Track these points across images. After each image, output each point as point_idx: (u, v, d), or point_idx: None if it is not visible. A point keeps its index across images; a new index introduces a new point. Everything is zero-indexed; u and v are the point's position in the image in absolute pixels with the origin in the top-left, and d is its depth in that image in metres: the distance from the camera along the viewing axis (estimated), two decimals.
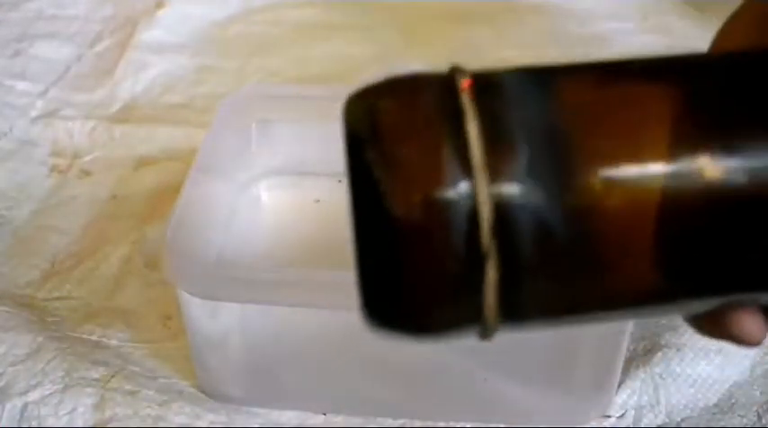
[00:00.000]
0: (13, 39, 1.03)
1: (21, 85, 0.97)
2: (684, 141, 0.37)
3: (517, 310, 0.38)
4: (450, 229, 0.36)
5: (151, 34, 1.04)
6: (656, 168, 0.37)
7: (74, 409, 0.64)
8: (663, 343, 0.68)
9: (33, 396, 0.64)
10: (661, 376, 0.67)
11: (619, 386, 0.66)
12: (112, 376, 0.66)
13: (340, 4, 1.10)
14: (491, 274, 0.36)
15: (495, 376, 0.63)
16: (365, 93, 0.38)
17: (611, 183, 0.37)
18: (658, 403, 0.66)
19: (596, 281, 0.38)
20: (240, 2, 1.10)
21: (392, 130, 0.37)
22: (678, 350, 0.68)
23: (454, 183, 0.35)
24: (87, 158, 0.88)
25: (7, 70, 0.99)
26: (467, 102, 0.37)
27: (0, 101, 0.95)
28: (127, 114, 0.94)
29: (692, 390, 0.66)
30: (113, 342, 0.70)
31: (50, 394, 0.64)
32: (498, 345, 0.62)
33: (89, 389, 0.65)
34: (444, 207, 0.35)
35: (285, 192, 0.80)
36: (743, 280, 0.40)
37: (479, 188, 0.35)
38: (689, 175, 0.37)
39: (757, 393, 0.67)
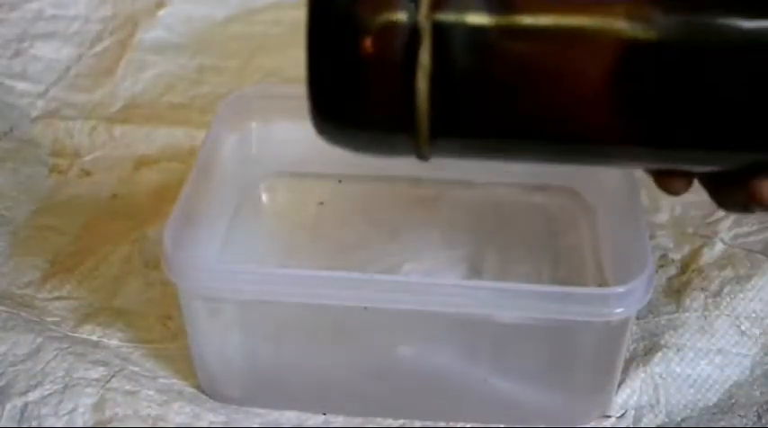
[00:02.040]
0: (13, 39, 1.03)
1: (21, 85, 0.97)
2: None
3: (449, 124, 0.44)
4: (396, 42, 0.42)
5: (151, 34, 1.04)
6: None
7: (74, 409, 0.64)
8: (663, 343, 0.68)
9: (33, 396, 0.64)
10: (661, 376, 0.67)
11: (619, 386, 0.66)
12: (112, 376, 0.66)
13: None
14: (422, 82, 0.42)
15: (494, 376, 0.63)
16: None
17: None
18: (658, 403, 0.66)
19: (531, 106, 0.44)
20: (240, 2, 1.09)
21: None
22: (678, 350, 0.68)
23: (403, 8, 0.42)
24: (87, 158, 0.88)
25: (7, 70, 0.99)
26: None
27: (0, 101, 0.95)
28: (127, 114, 0.94)
29: (691, 390, 0.66)
30: (113, 342, 0.70)
31: (50, 394, 0.64)
32: (497, 345, 0.62)
33: (89, 389, 0.65)
34: (393, 24, 0.42)
35: (286, 194, 0.80)
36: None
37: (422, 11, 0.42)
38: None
39: (757, 393, 0.67)
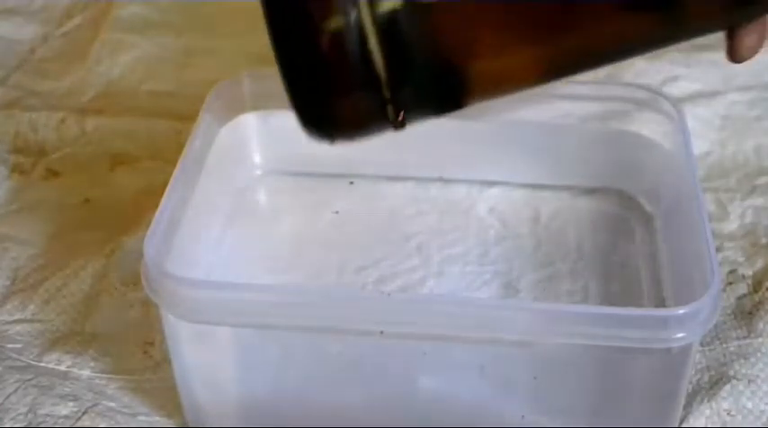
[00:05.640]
0: None
1: None
2: None
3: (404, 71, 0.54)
4: (347, 46, 0.52)
5: (130, 10, 1.05)
6: None
7: None
8: (731, 374, 0.69)
9: None
10: (729, 412, 0.67)
11: (680, 423, 0.66)
12: (84, 412, 0.66)
13: None
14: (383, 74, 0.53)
15: (533, 413, 0.64)
16: None
17: None
18: None
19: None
20: None
21: None
22: (750, 382, 0.68)
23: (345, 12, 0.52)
24: (55, 156, 0.89)
25: None
26: None
27: None
28: (101, 104, 0.94)
29: None
30: (85, 372, 0.71)
31: None
32: (537, 376, 0.63)
33: None
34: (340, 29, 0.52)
35: (288, 197, 0.80)
36: None
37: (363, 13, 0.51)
38: None
39: None
